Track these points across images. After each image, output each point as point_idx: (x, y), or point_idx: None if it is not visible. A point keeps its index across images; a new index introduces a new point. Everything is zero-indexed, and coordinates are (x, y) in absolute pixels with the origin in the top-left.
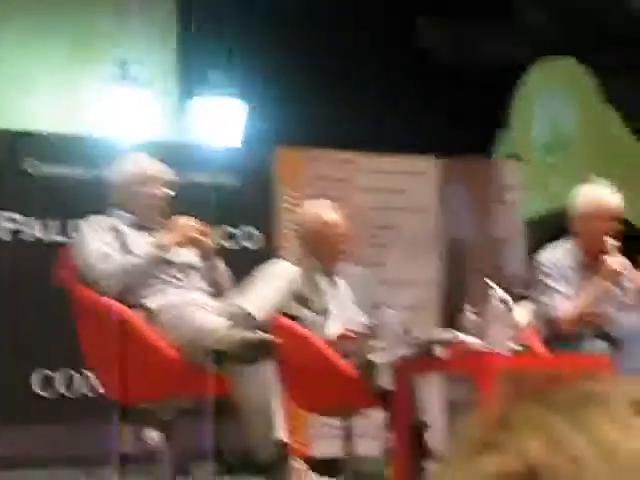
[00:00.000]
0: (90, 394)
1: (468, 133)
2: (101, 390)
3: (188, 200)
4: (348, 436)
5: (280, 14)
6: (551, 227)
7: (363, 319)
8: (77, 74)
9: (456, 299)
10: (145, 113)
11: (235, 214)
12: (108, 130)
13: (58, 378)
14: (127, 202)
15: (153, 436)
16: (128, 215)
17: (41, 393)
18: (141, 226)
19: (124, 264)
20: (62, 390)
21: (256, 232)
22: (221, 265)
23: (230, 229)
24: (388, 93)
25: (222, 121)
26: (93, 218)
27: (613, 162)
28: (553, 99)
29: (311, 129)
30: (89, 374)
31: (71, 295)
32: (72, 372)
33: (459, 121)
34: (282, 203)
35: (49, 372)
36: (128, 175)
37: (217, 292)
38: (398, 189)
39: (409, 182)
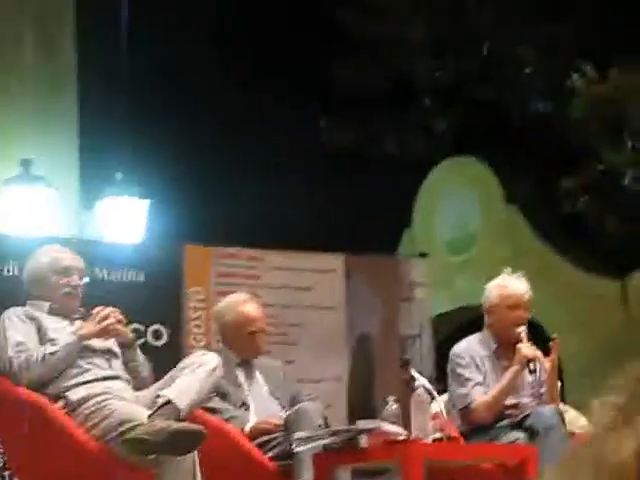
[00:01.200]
0: None
1: (375, 231)
2: None
3: (94, 297)
4: None
5: (184, 110)
6: (456, 323)
7: (282, 412)
8: None
9: (364, 395)
10: (49, 211)
11: (142, 311)
12: (13, 228)
13: None
14: (45, 292)
15: None
16: (47, 304)
17: None
18: (60, 314)
19: (43, 354)
20: None
21: (162, 329)
22: (140, 355)
23: (137, 326)
24: (295, 190)
25: (126, 219)
26: (12, 310)
27: (518, 261)
28: (456, 198)
29: (217, 226)
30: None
31: None
32: None
33: (365, 219)
34: (189, 300)
35: None
36: (44, 265)
37: (138, 382)
38: (306, 286)
39: (317, 279)
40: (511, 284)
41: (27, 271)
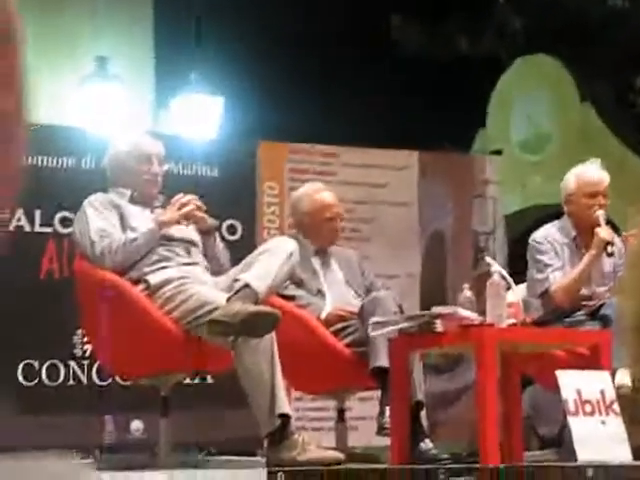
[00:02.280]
0: (74, 383)
1: (449, 130)
2: (93, 373)
3: (169, 192)
4: (342, 418)
5: (259, 8)
6: (529, 222)
7: (357, 300)
8: (58, 70)
9: (437, 291)
10: (124, 108)
11: (216, 206)
12: (89, 124)
13: (44, 369)
14: (126, 179)
15: (138, 426)
16: (127, 192)
17: (25, 384)
18: (141, 202)
19: (124, 240)
20: (46, 381)
21: (238, 224)
22: (220, 243)
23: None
24: (369, 88)
25: (200, 117)
26: (94, 197)
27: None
28: (530, 97)
29: (292, 123)
30: (74, 365)
31: (72, 272)
32: (57, 362)
33: (439, 118)
34: (263, 195)
35: (34, 363)
36: (125, 152)
37: (217, 269)
38: (380, 183)
39: (391, 176)
40: (589, 172)
41: (108, 158)
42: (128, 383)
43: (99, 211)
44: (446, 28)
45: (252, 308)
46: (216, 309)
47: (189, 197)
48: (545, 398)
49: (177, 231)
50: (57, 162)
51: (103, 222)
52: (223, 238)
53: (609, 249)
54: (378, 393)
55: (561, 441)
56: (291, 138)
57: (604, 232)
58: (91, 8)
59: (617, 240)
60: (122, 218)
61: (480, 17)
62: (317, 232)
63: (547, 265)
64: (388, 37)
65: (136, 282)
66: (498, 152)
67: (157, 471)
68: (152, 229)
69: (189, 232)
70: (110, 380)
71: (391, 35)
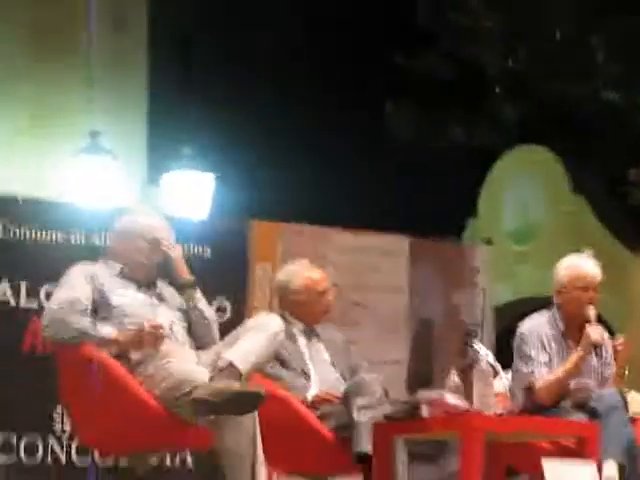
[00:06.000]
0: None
1: (440, 219)
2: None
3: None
4: None
5: (252, 88)
6: (518, 314)
7: (342, 382)
8: (50, 143)
9: (423, 380)
10: (116, 183)
11: (207, 286)
12: (80, 199)
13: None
14: (124, 254)
15: None
16: (119, 266)
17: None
18: (129, 278)
19: (82, 328)
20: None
21: (227, 303)
22: (207, 308)
23: None
24: (360, 172)
25: (192, 194)
26: (77, 265)
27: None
28: (523, 187)
29: (284, 205)
30: (53, 441)
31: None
32: (37, 437)
33: (431, 207)
34: (255, 276)
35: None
36: (138, 227)
37: (202, 328)
38: (373, 267)
39: (383, 261)
40: (582, 265)
41: (117, 226)
42: (108, 464)
43: (75, 280)
44: (440, 115)
45: (236, 387)
46: (199, 387)
47: (157, 324)
48: None
49: (162, 310)
50: (46, 236)
51: (72, 293)
52: None
53: (598, 351)
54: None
55: None
56: (283, 218)
57: (594, 333)
58: (86, 80)
59: (607, 338)
60: (98, 288)
61: (475, 106)
62: (308, 308)
63: (533, 359)
64: (382, 122)
65: (117, 357)
66: (489, 241)
67: None
68: (108, 339)
69: (172, 314)
70: (90, 461)
71: (385, 120)
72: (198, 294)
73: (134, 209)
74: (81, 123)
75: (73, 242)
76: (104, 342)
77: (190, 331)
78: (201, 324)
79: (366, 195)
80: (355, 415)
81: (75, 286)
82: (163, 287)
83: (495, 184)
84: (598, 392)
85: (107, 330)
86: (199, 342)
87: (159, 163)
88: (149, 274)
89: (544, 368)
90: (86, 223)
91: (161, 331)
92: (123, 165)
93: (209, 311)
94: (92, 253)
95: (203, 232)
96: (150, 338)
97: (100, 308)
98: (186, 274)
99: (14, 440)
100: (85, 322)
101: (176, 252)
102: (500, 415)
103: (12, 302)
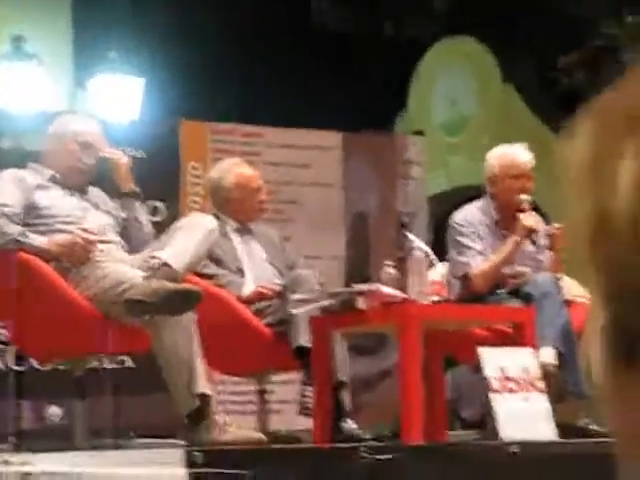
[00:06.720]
0: None
1: (371, 112)
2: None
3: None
4: (262, 400)
5: None
6: (452, 203)
7: (279, 279)
8: None
9: (360, 273)
10: (41, 88)
11: (140, 188)
12: (4, 104)
13: None
14: (54, 159)
15: (56, 412)
16: (49, 172)
17: None
18: (61, 184)
19: (16, 234)
20: None
21: (161, 205)
22: (142, 208)
23: None
24: (289, 68)
25: (120, 97)
26: (6, 171)
27: (515, 141)
28: (452, 78)
29: (214, 104)
30: None
31: None
32: None
33: (361, 99)
34: (186, 176)
35: None
36: (68, 133)
37: (137, 234)
38: (304, 163)
39: (315, 156)
40: (513, 153)
41: (49, 130)
42: (46, 368)
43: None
44: (369, 8)
45: (171, 286)
46: (132, 288)
47: (88, 228)
48: (468, 381)
49: (94, 216)
50: None
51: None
52: None
53: (533, 237)
54: (300, 375)
55: (484, 423)
56: (214, 118)
57: (529, 219)
58: None
59: (541, 226)
60: (26, 194)
61: None
62: (242, 206)
63: (468, 247)
64: (309, 17)
65: (49, 261)
66: (420, 133)
67: (73, 452)
68: (42, 248)
69: (100, 217)
70: (27, 366)
71: (312, 13)
72: (138, 205)
73: (67, 113)
74: (4, 28)
75: (1, 147)
76: (36, 251)
77: (124, 238)
78: (139, 237)
79: (294, 92)
80: (292, 309)
81: (4, 191)
82: (94, 192)
83: (424, 76)
84: (532, 278)
85: (40, 239)
86: (133, 251)
87: (86, 67)
88: (81, 179)
89: (479, 257)
90: (14, 128)
91: (92, 237)
92: (49, 70)
93: (148, 226)
94: (21, 158)
95: (134, 134)
96: (81, 249)
97: (29, 212)
98: (130, 183)
99: None
100: (16, 229)
101: (121, 160)
102: (436, 302)
103: None
